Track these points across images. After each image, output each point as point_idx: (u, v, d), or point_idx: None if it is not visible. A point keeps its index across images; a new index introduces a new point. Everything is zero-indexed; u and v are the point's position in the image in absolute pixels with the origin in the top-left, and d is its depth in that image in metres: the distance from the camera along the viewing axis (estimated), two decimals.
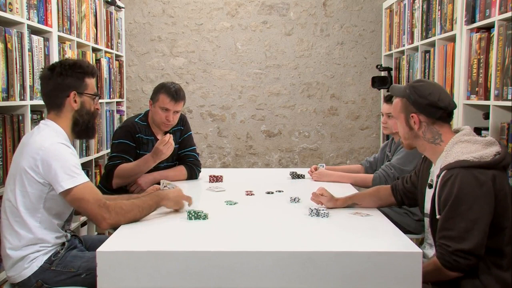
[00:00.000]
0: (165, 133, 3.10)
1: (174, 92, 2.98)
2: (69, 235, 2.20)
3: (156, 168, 2.98)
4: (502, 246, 1.83)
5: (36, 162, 1.98)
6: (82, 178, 2.01)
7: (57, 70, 2.11)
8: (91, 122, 2.21)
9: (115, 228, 2.04)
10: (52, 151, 1.99)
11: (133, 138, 2.99)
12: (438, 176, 1.91)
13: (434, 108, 1.95)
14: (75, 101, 2.12)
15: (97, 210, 1.99)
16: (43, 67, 2.42)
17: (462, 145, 1.90)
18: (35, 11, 2.75)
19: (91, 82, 2.19)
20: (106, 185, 2.94)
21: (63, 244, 2.13)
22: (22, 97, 2.59)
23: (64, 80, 2.10)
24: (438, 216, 1.88)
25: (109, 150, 4.07)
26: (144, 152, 3.00)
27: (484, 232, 1.78)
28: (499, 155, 1.84)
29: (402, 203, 2.32)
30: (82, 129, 2.18)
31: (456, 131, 2.00)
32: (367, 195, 2.34)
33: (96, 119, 2.25)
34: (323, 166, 3.12)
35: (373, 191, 2.37)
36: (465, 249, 1.76)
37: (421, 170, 2.16)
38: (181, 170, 3.10)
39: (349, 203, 2.31)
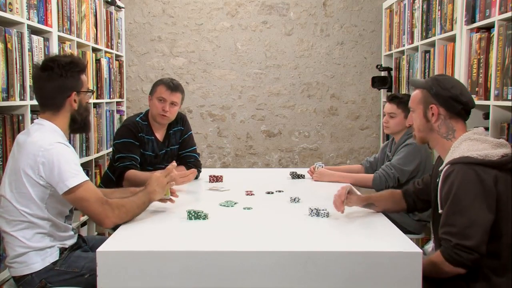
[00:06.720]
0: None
1: (170, 83, 3.04)
2: (76, 235, 2.20)
3: (156, 169, 2.97)
4: (498, 251, 1.82)
5: (37, 164, 1.96)
6: (83, 176, 2.01)
7: (56, 71, 2.06)
8: (87, 117, 2.21)
9: (114, 228, 2.05)
10: (53, 151, 1.97)
11: (136, 137, 2.99)
12: (441, 170, 1.90)
13: (455, 101, 1.95)
14: (75, 101, 2.12)
15: (101, 209, 1.99)
16: (33, 65, 2.35)
17: (471, 142, 1.89)
18: (35, 11, 2.75)
19: (84, 78, 2.17)
20: (117, 186, 2.86)
21: (72, 245, 2.13)
22: (22, 97, 2.59)
23: (65, 81, 2.08)
24: (440, 211, 1.87)
25: (109, 150, 4.09)
26: (145, 152, 3.01)
27: (485, 228, 1.77)
28: (506, 157, 1.83)
29: (414, 208, 2.26)
30: (80, 126, 2.20)
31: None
32: (383, 198, 2.27)
33: (89, 113, 2.26)
34: (322, 166, 3.11)
35: (388, 194, 2.30)
36: (467, 245, 1.76)
37: (434, 169, 2.14)
38: (182, 170, 3.10)
39: (367, 202, 2.22)
